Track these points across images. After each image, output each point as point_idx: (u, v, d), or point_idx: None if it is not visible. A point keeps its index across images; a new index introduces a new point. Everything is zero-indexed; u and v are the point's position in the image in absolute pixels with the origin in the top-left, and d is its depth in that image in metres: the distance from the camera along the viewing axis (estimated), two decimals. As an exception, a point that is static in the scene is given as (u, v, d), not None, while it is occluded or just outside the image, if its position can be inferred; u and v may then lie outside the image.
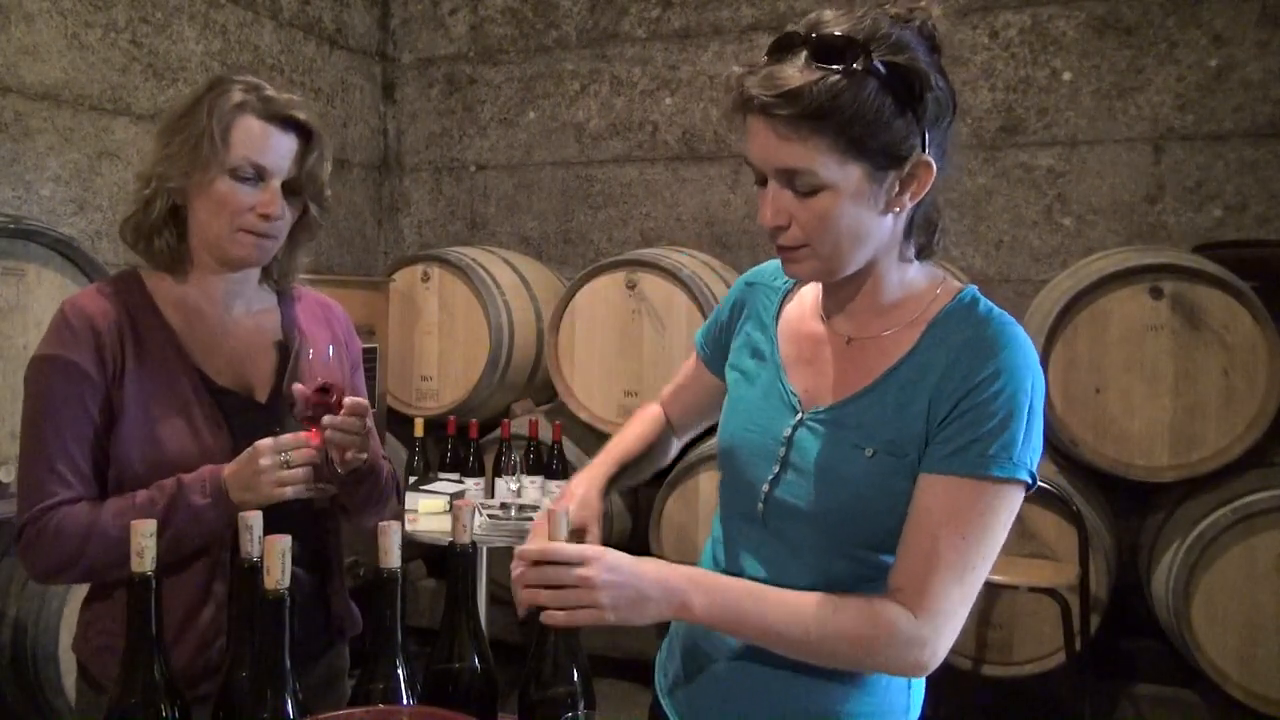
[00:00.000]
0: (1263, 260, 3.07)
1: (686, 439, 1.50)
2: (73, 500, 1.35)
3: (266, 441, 1.33)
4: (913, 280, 1.17)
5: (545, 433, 3.30)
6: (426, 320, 3.78)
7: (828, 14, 1.05)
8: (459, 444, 3.21)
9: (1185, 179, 3.41)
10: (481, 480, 3.12)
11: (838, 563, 1.15)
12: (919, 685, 1.25)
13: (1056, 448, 3.16)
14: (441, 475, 3.15)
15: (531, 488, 3.04)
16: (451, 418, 3.32)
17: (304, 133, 1.43)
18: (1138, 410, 2.94)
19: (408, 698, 1.12)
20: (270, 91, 1.42)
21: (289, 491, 1.32)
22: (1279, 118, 3.30)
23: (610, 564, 1.07)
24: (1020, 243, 3.61)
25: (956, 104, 1.11)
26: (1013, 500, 1.08)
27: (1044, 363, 2.97)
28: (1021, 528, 3.04)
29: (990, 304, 1.14)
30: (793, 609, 1.09)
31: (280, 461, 1.32)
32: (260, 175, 1.39)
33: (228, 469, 1.34)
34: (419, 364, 3.80)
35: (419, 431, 3.19)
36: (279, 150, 1.41)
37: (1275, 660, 2.77)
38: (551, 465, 3.12)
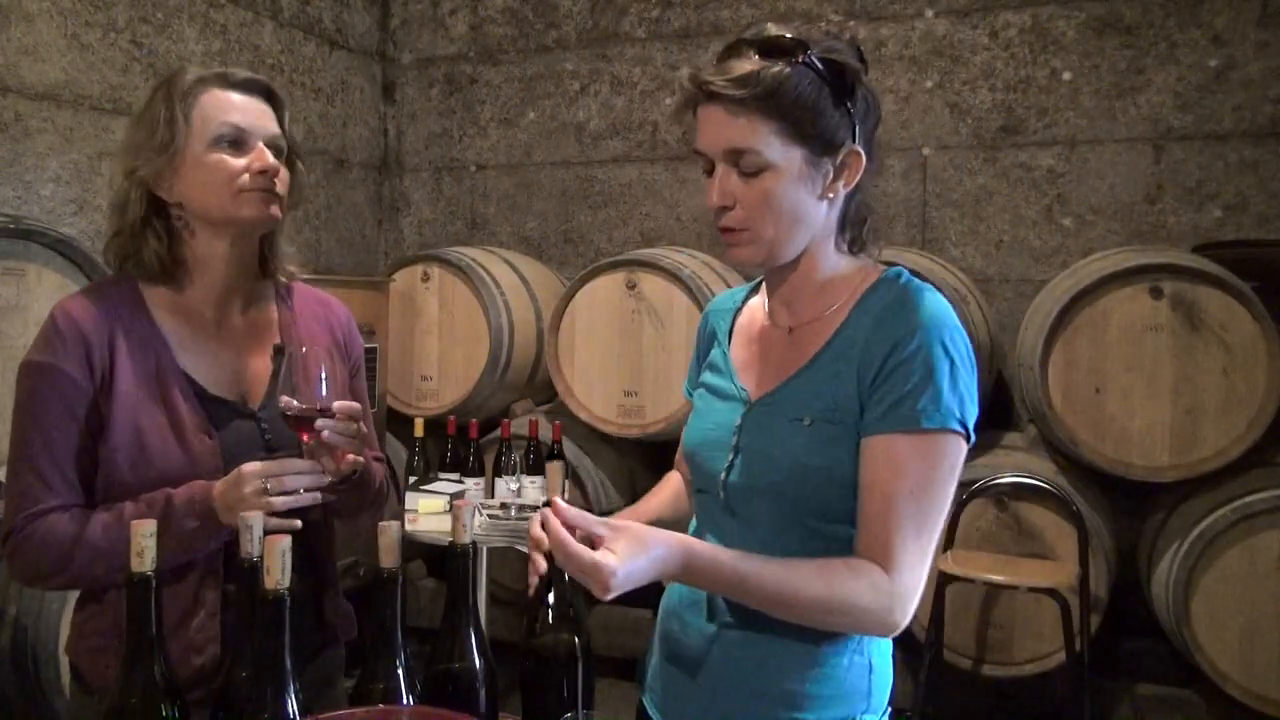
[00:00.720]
0: (1263, 260, 3.06)
1: None
2: (60, 508, 1.33)
3: (253, 466, 1.30)
4: (845, 268, 1.27)
5: (545, 433, 3.30)
6: (426, 320, 3.78)
7: (770, 25, 1.19)
8: (459, 444, 3.21)
9: (1185, 179, 3.41)
10: (481, 480, 3.12)
11: (793, 536, 1.21)
12: (882, 671, 1.27)
13: (1056, 448, 3.16)
14: (441, 475, 3.15)
15: (531, 488, 3.04)
16: (451, 418, 3.32)
17: (269, 96, 1.43)
18: (1138, 410, 2.94)
19: (408, 698, 1.12)
20: (223, 68, 1.42)
21: (272, 521, 1.27)
22: (1279, 118, 3.30)
23: (619, 578, 1.07)
24: (1020, 243, 3.61)
25: (880, 112, 1.24)
26: (951, 451, 1.15)
27: (1044, 363, 2.98)
28: (1021, 528, 3.04)
29: (911, 277, 1.25)
30: (784, 565, 1.14)
31: (262, 487, 1.29)
32: (242, 139, 1.38)
33: (216, 488, 1.32)
34: (419, 364, 3.80)
35: (419, 431, 3.19)
36: (253, 111, 1.40)
37: (1275, 660, 2.77)
38: (551, 465, 3.12)
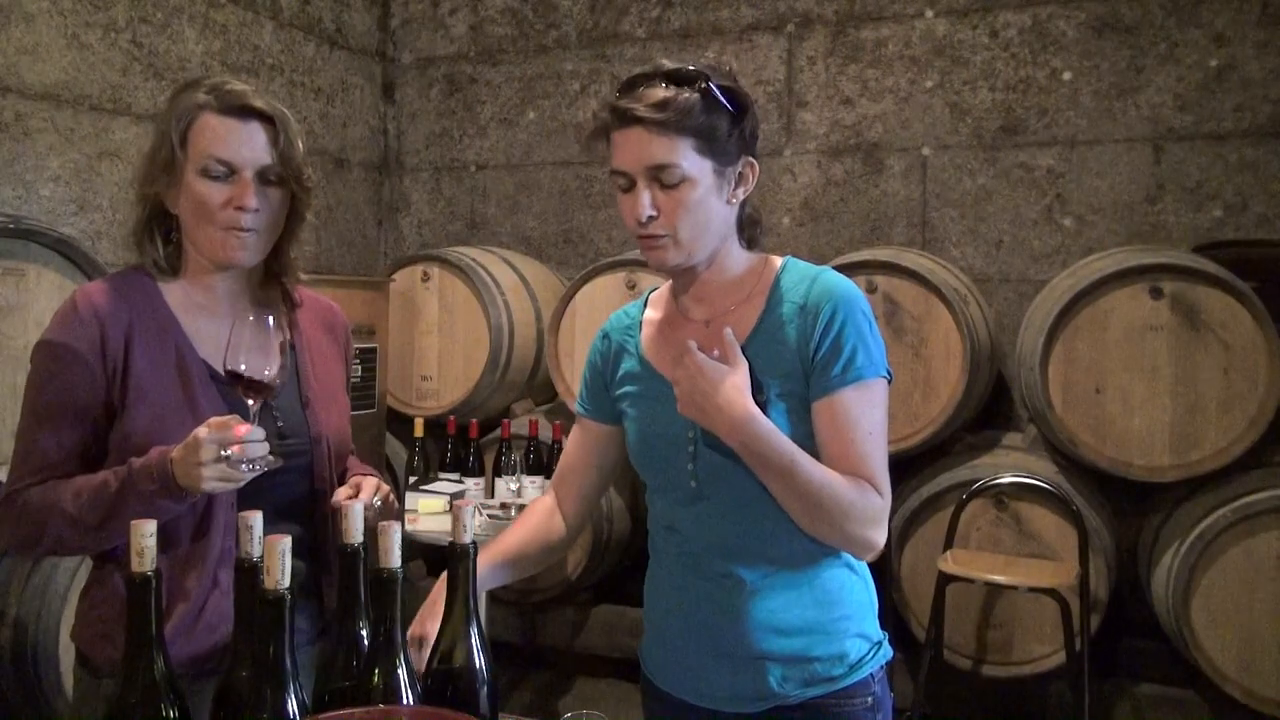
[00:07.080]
0: (1263, 260, 3.07)
1: (582, 519, 1.59)
2: (49, 481, 1.38)
3: (205, 432, 1.28)
4: (746, 262, 1.46)
5: (545, 433, 3.30)
6: (426, 320, 3.78)
7: (665, 62, 1.38)
8: (459, 444, 3.22)
9: (1185, 179, 3.41)
10: (481, 480, 3.12)
11: (757, 507, 1.35)
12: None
13: (1056, 448, 3.16)
14: (441, 475, 3.15)
15: (531, 487, 3.04)
16: (451, 418, 3.33)
17: (266, 120, 1.43)
18: (1138, 410, 2.94)
19: (408, 698, 1.12)
20: (228, 86, 1.43)
21: (220, 486, 1.30)
22: (1279, 118, 3.30)
23: (735, 379, 1.31)
24: (1020, 243, 3.61)
25: (759, 132, 1.44)
26: (883, 393, 1.37)
27: (1044, 363, 2.98)
28: (1021, 528, 3.04)
29: (803, 263, 1.45)
30: (813, 460, 1.32)
31: (217, 455, 1.28)
32: (230, 169, 1.41)
33: (175, 453, 1.31)
34: (419, 364, 3.80)
35: (419, 431, 3.19)
36: (244, 141, 1.41)
37: (1275, 660, 2.77)
38: (551, 465, 3.12)
